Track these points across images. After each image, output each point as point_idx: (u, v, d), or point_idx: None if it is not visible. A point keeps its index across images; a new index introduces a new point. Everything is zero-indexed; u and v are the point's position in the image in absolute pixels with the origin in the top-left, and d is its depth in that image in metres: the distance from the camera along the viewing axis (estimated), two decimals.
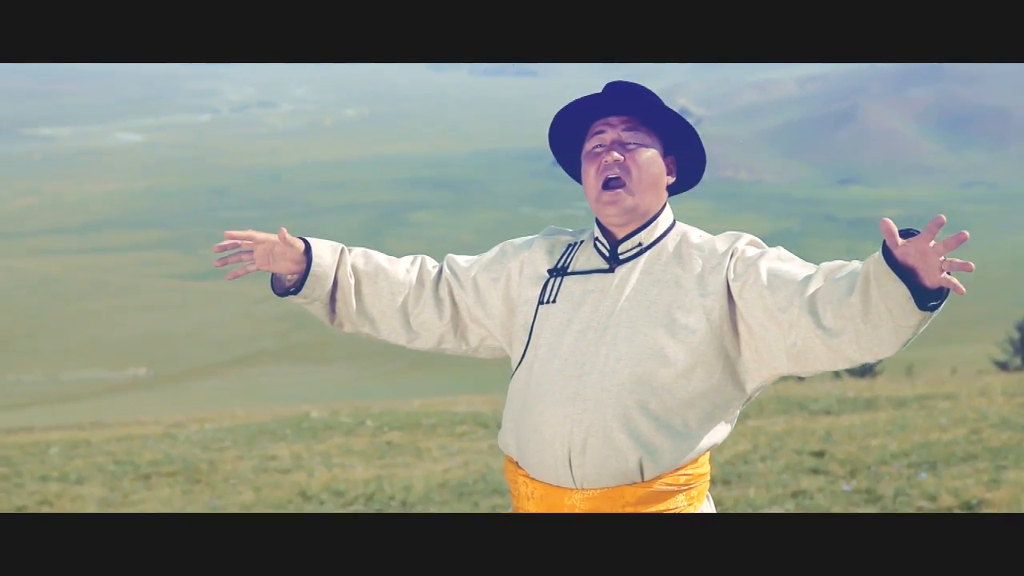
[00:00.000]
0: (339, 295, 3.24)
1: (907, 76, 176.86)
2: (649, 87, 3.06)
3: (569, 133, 3.16)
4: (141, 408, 32.18)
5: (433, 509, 6.78)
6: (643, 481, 2.88)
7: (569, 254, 3.09)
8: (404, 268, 3.28)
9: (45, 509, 7.58)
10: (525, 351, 3.02)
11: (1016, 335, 29.78)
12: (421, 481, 7.71)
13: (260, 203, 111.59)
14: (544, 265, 3.10)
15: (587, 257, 3.06)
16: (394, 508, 7.00)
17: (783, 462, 7.58)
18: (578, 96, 3.12)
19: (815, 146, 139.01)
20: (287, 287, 3.26)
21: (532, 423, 2.96)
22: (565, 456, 2.89)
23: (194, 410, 22.80)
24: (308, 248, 3.22)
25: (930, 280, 2.68)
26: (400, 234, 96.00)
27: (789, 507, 6.36)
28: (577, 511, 2.89)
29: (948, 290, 2.73)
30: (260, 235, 3.25)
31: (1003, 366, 29.03)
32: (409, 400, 15.85)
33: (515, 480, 3.05)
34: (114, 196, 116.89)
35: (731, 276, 2.92)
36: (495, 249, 3.27)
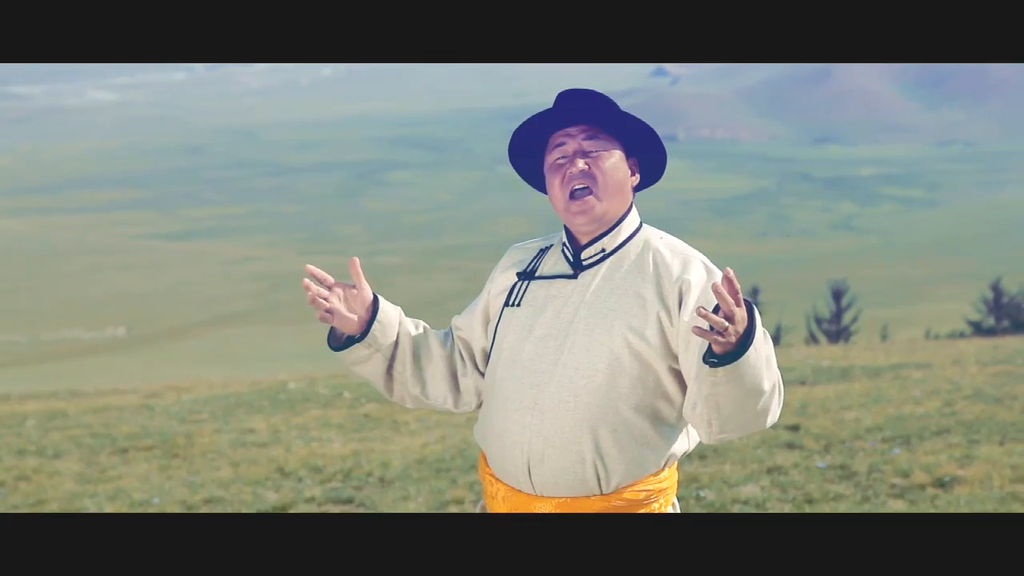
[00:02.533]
0: (399, 352, 3.14)
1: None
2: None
3: (529, 146, 3.13)
4: (119, 371, 32.13)
5: (411, 487, 6.81)
6: (602, 494, 2.87)
7: (539, 259, 3.08)
8: (440, 335, 3.23)
9: (23, 485, 7.59)
10: (490, 354, 3.03)
11: (990, 295, 29.94)
12: (398, 457, 7.74)
13: (236, 162, 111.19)
14: (514, 271, 3.09)
15: (554, 261, 3.05)
16: (372, 484, 7.03)
17: (758, 437, 7.63)
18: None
19: (791, 105, 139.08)
20: (345, 337, 3.09)
21: (494, 430, 2.98)
22: (524, 464, 2.90)
23: (171, 375, 22.77)
24: (376, 298, 3.13)
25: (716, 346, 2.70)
26: (378, 193, 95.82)
27: (764, 483, 6.40)
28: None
29: (747, 342, 2.69)
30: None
31: (976, 326, 29.19)
32: None
33: (484, 477, 3.07)
34: (89, 155, 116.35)
35: (680, 315, 2.88)
36: (483, 290, 3.23)
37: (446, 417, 9.35)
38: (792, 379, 10.74)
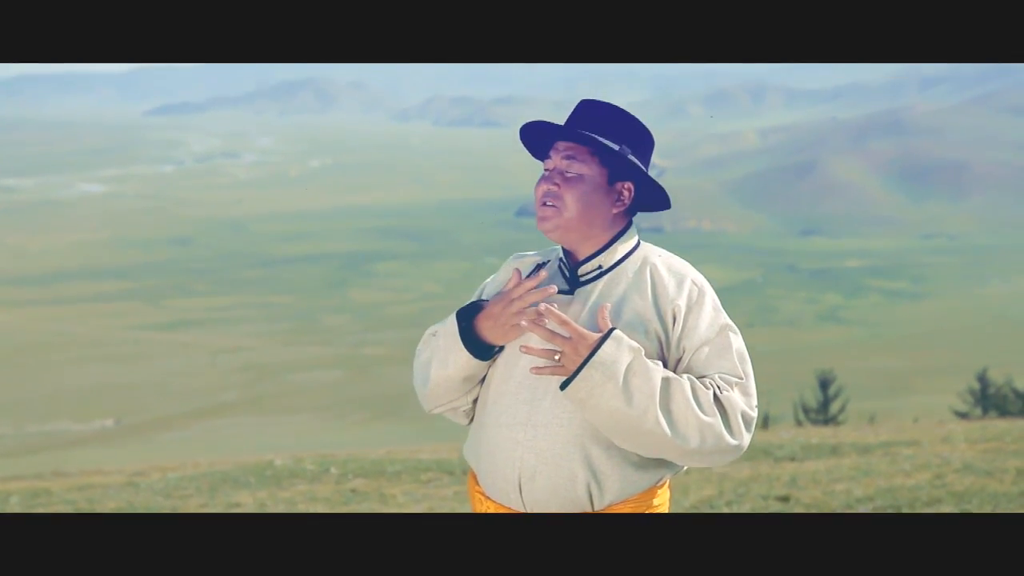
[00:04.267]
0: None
1: (867, 129, 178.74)
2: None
3: (539, 141, 3.16)
4: (105, 460, 31.95)
5: None
6: (593, 511, 2.88)
7: (533, 274, 3.05)
8: None
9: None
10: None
11: (976, 385, 29.95)
12: None
13: (224, 253, 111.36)
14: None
15: (551, 277, 3.07)
16: None
17: (748, 506, 7.60)
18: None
19: (777, 197, 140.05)
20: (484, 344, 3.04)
21: (487, 445, 2.98)
22: (515, 481, 2.91)
23: (158, 460, 22.65)
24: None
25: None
26: (365, 284, 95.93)
27: None
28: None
29: (583, 363, 2.81)
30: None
31: (963, 416, 29.17)
32: (374, 448, 15.80)
33: (473, 495, 3.07)
34: (77, 247, 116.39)
35: (675, 336, 2.94)
36: (474, 296, 3.24)
37: (434, 490, 9.29)
38: (781, 456, 10.72)
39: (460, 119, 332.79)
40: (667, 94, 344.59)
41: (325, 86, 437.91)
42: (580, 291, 3.02)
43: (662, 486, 2.98)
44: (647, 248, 3.11)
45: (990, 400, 30.63)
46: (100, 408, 57.32)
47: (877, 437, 12.68)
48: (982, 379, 30.30)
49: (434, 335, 3.16)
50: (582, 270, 3.04)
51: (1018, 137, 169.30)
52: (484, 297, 3.15)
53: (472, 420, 3.16)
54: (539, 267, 3.10)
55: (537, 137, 3.13)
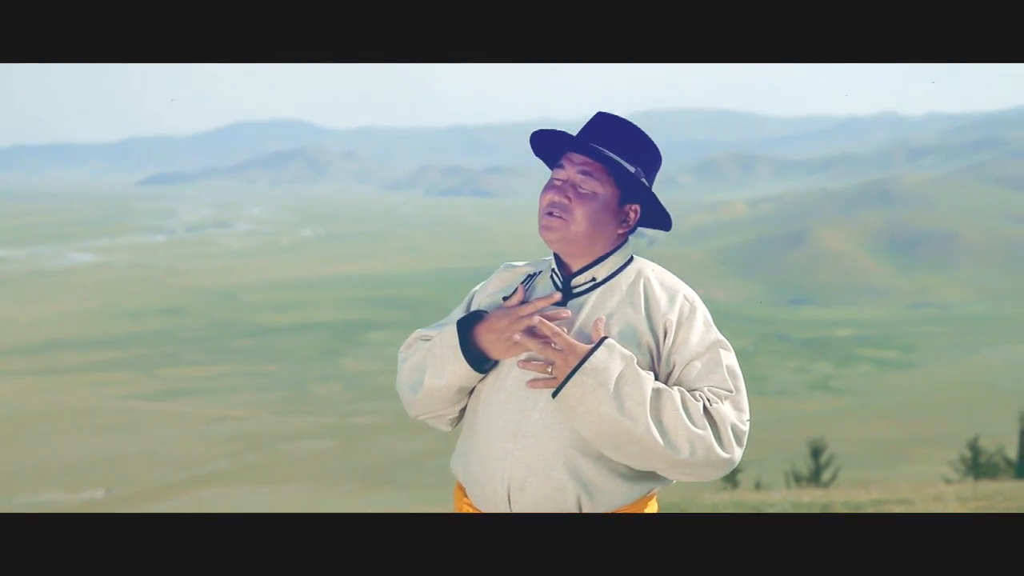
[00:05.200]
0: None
1: (857, 199, 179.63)
2: None
3: (550, 147, 3.15)
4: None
5: None
6: None
7: (526, 285, 3.10)
8: None
9: None
10: None
11: (968, 454, 30.01)
12: None
13: (215, 323, 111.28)
14: (500, 296, 3.11)
15: (543, 288, 3.08)
16: None
17: None
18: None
19: (767, 267, 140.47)
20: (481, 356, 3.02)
21: (476, 456, 2.97)
22: (504, 491, 2.89)
23: None
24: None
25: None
26: (357, 353, 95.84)
27: None
28: None
29: (570, 374, 2.84)
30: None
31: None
32: None
33: (460, 507, 3.07)
34: (67, 316, 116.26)
35: (665, 350, 2.96)
36: (462, 305, 3.23)
37: None
38: (772, 513, 10.77)
39: (451, 188, 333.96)
40: None
41: (317, 155, 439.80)
42: (572, 303, 3.02)
43: (650, 498, 2.98)
44: (640, 262, 3.12)
45: (981, 469, 30.66)
46: (90, 478, 57.04)
47: (868, 495, 12.77)
48: (973, 448, 30.34)
49: (425, 340, 3.15)
50: (575, 282, 3.04)
51: (1006, 208, 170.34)
52: (475, 306, 3.14)
53: (455, 428, 3.17)
54: (531, 278, 3.10)
55: (549, 143, 3.13)
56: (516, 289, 3.04)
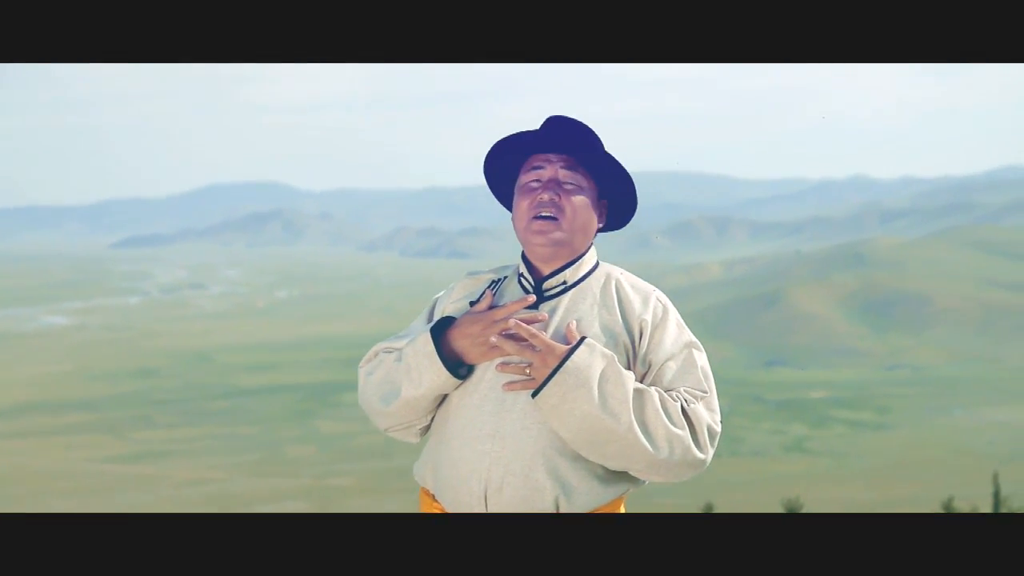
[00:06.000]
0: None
1: (830, 261, 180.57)
2: None
3: (504, 162, 3.11)
4: None
5: None
6: None
7: (493, 290, 3.07)
8: None
9: None
10: None
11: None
12: None
13: (189, 384, 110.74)
14: (466, 301, 3.08)
15: (511, 293, 3.05)
16: None
17: None
18: None
19: (742, 328, 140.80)
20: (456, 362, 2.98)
21: (449, 458, 2.92)
22: (481, 493, 2.86)
23: None
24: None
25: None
26: (332, 415, 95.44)
27: None
28: None
29: (552, 373, 2.83)
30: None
31: None
32: None
33: (429, 512, 3.04)
34: (41, 379, 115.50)
35: (641, 351, 2.97)
36: (423, 314, 3.20)
37: None
38: None
39: (427, 250, 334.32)
40: (631, 226, 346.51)
41: (293, 217, 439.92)
42: (544, 306, 2.99)
43: (621, 500, 2.97)
44: (607, 266, 3.11)
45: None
46: None
47: None
48: (947, 509, 30.51)
49: (388, 353, 3.11)
50: (547, 285, 3.01)
51: (979, 271, 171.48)
52: (440, 314, 3.11)
53: (421, 438, 3.12)
54: (495, 283, 3.08)
55: (509, 153, 3.09)
56: (484, 294, 3.02)
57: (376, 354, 3.15)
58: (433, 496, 3.04)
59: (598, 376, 2.82)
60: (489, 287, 3.08)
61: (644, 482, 2.99)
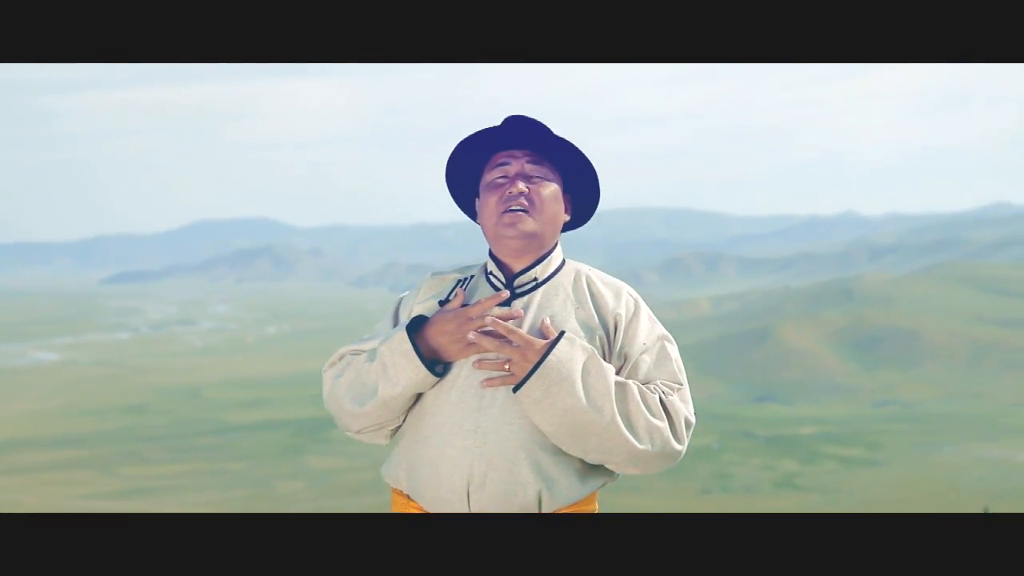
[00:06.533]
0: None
1: (819, 297, 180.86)
2: None
3: (465, 166, 3.12)
4: None
5: None
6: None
7: (463, 288, 3.09)
8: None
9: None
10: None
11: None
12: None
13: (178, 420, 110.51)
14: (434, 301, 3.09)
15: (480, 292, 3.07)
16: None
17: None
18: None
19: (731, 364, 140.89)
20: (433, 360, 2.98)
21: (427, 456, 2.90)
22: (463, 489, 2.85)
23: None
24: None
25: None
26: (322, 451, 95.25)
27: None
28: None
29: (534, 368, 2.84)
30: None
31: None
32: None
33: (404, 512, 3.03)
34: (29, 415, 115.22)
35: (617, 345, 2.99)
36: (389, 316, 3.21)
37: None
38: None
39: (415, 286, 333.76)
40: (621, 262, 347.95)
41: (283, 253, 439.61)
42: (515, 303, 3.00)
43: (595, 495, 2.99)
44: (574, 263, 3.13)
45: None
46: None
47: None
48: None
49: (356, 355, 3.10)
50: (518, 282, 3.04)
51: (967, 307, 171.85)
52: (408, 314, 3.12)
53: (391, 439, 3.11)
54: (460, 283, 3.10)
55: (471, 155, 3.10)
56: (456, 293, 3.03)
57: (341, 356, 3.15)
58: (408, 497, 3.02)
59: (580, 370, 2.83)
60: (460, 285, 3.10)
61: (618, 476, 3.01)
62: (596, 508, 3.01)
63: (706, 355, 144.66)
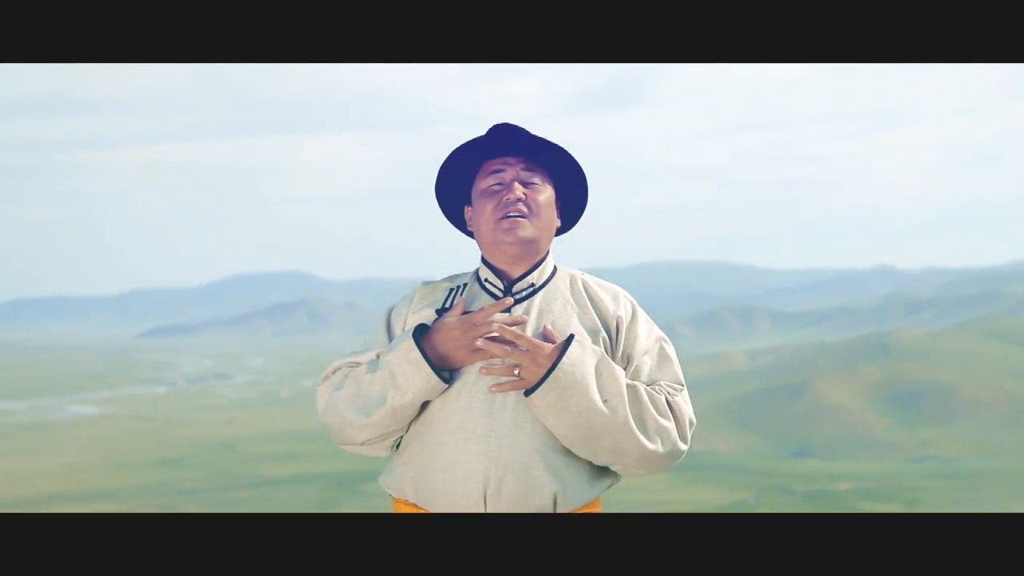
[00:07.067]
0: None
1: (855, 352, 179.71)
2: None
3: (454, 176, 3.13)
4: None
5: None
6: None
7: (454, 297, 3.10)
8: None
9: None
10: None
11: None
12: None
13: (214, 474, 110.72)
14: (430, 310, 3.09)
15: (479, 299, 3.09)
16: None
17: None
18: None
19: (767, 418, 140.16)
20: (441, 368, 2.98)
21: (439, 463, 2.90)
22: (480, 494, 2.84)
23: None
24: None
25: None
26: (357, 504, 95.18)
27: None
28: None
29: (546, 374, 2.86)
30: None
31: None
32: None
33: None
34: (67, 469, 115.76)
35: (620, 347, 3.04)
36: (381, 327, 3.21)
37: None
38: None
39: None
40: (655, 315, 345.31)
41: (318, 307, 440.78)
42: (515, 309, 3.01)
43: (599, 497, 3.01)
44: (565, 268, 3.15)
45: None
46: None
47: None
48: None
49: (353, 367, 3.12)
50: (516, 287, 3.05)
51: (1006, 362, 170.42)
52: (402, 325, 3.13)
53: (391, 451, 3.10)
54: (453, 291, 3.11)
55: (458, 166, 3.11)
56: (456, 300, 3.04)
57: (335, 370, 3.19)
58: (415, 506, 3.02)
59: (592, 371, 2.86)
60: (458, 293, 3.11)
61: (619, 479, 3.04)
62: (597, 510, 3.02)
63: (741, 409, 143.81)
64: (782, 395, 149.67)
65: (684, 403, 3.02)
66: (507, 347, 2.90)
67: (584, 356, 2.87)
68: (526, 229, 3.00)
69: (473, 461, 2.85)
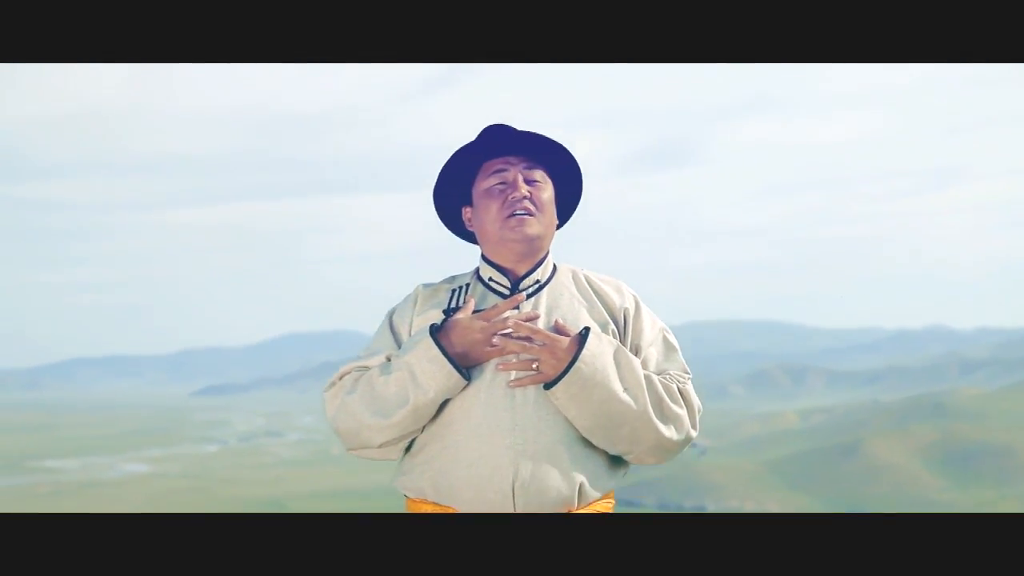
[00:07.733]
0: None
1: (909, 411, 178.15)
2: None
3: (451, 180, 3.13)
4: None
5: None
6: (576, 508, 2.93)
7: (458, 297, 3.12)
8: None
9: None
10: None
11: None
12: None
13: None
14: (437, 311, 3.10)
15: (481, 298, 3.10)
16: None
17: None
18: None
19: (820, 478, 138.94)
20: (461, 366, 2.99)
21: (464, 459, 2.90)
22: (508, 489, 2.85)
23: None
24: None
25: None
26: None
27: None
28: None
29: (566, 368, 2.89)
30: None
31: None
32: None
33: None
34: None
35: (629, 338, 3.07)
36: (385, 331, 3.20)
37: None
38: None
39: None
40: (707, 374, 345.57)
41: None
42: (524, 305, 3.04)
43: (612, 490, 3.03)
44: (564, 264, 3.18)
45: None
46: None
47: None
48: None
49: (361, 371, 3.11)
50: (523, 284, 3.07)
51: None
52: (407, 327, 3.14)
53: (406, 449, 3.10)
54: (456, 292, 3.13)
55: (457, 169, 3.13)
56: (467, 299, 3.06)
57: (342, 376, 3.16)
58: (435, 504, 3.02)
59: (611, 363, 2.90)
60: (463, 292, 3.13)
61: (627, 470, 3.08)
62: (611, 505, 3.04)
63: (794, 469, 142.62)
64: (835, 455, 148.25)
65: (692, 391, 3.05)
66: (524, 342, 2.94)
67: (602, 347, 2.91)
68: (533, 226, 3.04)
69: (500, 455, 2.87)
